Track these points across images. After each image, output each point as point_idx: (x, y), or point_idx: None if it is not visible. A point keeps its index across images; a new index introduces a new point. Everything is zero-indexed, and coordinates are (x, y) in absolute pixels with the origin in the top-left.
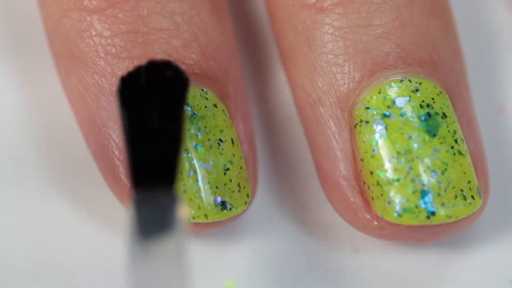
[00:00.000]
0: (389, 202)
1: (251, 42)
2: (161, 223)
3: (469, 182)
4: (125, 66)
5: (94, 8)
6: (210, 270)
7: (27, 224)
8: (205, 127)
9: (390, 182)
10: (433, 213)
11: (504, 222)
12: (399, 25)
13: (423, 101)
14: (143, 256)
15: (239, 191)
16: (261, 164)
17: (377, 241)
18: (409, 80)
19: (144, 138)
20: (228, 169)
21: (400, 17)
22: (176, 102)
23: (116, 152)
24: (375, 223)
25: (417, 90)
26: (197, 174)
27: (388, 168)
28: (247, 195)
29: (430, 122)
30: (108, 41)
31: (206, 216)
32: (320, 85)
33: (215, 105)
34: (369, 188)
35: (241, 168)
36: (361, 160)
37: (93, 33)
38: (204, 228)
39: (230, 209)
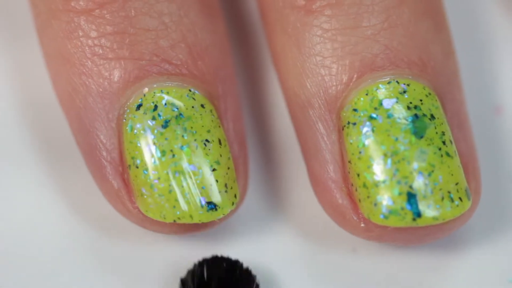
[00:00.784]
0: (375, 204)
1: (246, 42)
2: None
3: (457, 184)
4: (112, 67)
5: (82, 9)
6: None
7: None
8: (191, 127)
9: (376, 184)
10: (419, 215)
11: (502, 222)
12: (388, 26)
13: (410, 103)
14: None
15: (226, 191)
16: (257, 163)
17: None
18: (397, 81)
19: None
20: (214, 169)
21: (389, 19)
22: None
23: (104, 153)
24: (363, 225)
25: (404, 92)
26: (183, 175)
27: (374, 170)
28: (235, 196)
29: (417, 123)
30: (95, 42)
31: (191, 217)
32: (308, 87)
33: (202, 106)
34: (356, 190)
35: (228, 168)
36: (349, 162)
37: (80, 34)
38: (192, 229)
39: (217, 209)
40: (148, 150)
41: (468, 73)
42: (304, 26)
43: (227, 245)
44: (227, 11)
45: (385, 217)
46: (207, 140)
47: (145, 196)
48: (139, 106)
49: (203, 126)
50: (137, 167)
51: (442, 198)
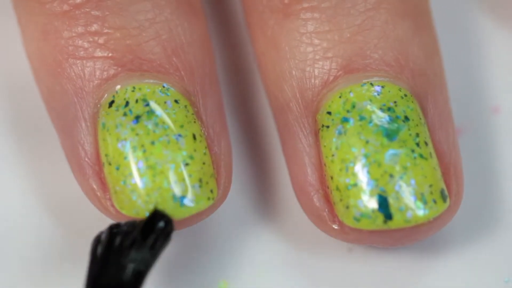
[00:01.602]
0: (347, 207)
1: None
2: None
3: (430, 186)
4: (86, 66)
5: (57, 11)
6: (203, 272)
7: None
8: (163, 122)
9: (347, 187)
10: (390, 218)
11: (498, 222)
12: (364, 28)
13: (383, 105)
14: None
15: (200, 186)
16: (244, 162)
17: None
18: (371, 83)
19: None
20: (187, 164)
21: (365, 21)
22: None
23: (82, 153)
24: (339, 227)
25: (378, 94)
26: (154, 170)
27: (346, 173)
28: (211, 191)
29: (390, 125)
30: (69, 42)
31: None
32: (286, 90)
33: (176, 101)
34: (331, 192)
35: (204, 163)
36: (324, 165)
37: (56, 35)
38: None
39: (190, 205)
40: (120, 146)
41: (465, 74)
42: (282, 29)
43: (223, 245)
44: (217, 10)
45: (357, 220)
46: (179, 135)
47: (118, 193)
48: (111, 103)
49: (176, 121)
50: (110, 164)
51: (415, 201)
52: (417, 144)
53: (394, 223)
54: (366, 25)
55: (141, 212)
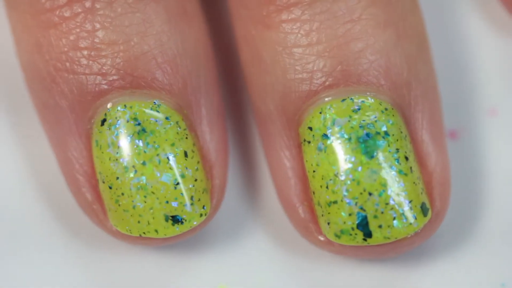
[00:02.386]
0: (328, 223)
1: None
2: None
3: (410, 202)
4: (77, 82)
5: (47, 24)
6: (202, 276)
7: None
8: (154, 142)
9: (328, 204)
10: (369, 235)
11: (494, 226)
12: (343, 42)
13: (363, 121)
14: None
15: (192, 204)
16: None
17: None
18: (351, 99)
19: None
20: (178, 183)
21: (345, 33)
22: None
23: (76, 166)
24: (324, 239)
25: (358, 109)
26: (145, 190)
27: (326, 190)
28: (203, 207)
29: (368, 143)
30: (62, 57)
31: (156, 231)
32: (268, 103)
33: (167, 118)
34: (314, 206)
35: (196, 180)
36: (307, 178)
37: (48, 48)
38: (159, 242)
39: (183, 223)
40: (112, 166)
41: (463, 76)
42: (263, 41)
43: (222, 249)
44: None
45: (338, 236)
46: (170, 154)
47: (112, 211)
48: (103, 121)
49: (166, 140)
50: (103, 182)
51: (394, 218)
52: (397, 160)
53: (374, 240)
54: (346, 38)
55: (134, 230)
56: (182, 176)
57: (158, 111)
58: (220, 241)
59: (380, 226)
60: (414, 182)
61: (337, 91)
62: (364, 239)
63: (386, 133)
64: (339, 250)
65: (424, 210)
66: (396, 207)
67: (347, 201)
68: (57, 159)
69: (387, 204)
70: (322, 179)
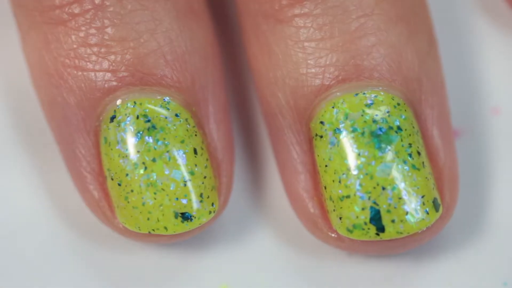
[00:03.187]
0: (340, 218)
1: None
2: None
3: (423, 197)
4: (86, 79)
5: (57, 20)
6: (203, 276)
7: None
8: (164, 138)
9: (340, 198)
10: (382, 230)
11: (497, 225)
12: (357, 36)
13: (376, 115)
14: None
15: (201, 201)
16: (247, 167)
17: None
18: (364, 93)
19: None
20: (188, 180)
21: (358, 28)
22: None
23: (84, 163)
24: (333, 235)
25: (371, 104)
26: (155, 187)
27: (338, 185)
28: (212, 204)
29: (382, 137)
30: (70, 54)
31: (166, 228)
32: (279, 97)
33: (176, 115)
34: (325, 201)
35: (205, 177)
36: (318, 173)
37: (57, 45)
38: (168, 239)
39: (192, 220)
40: (121, 163)
41: (465, 75)
42: (274, 36)
43: (224, 249)
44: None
45: (350, 231)
46: (180, 151)
47: (121, 208)
48: (112, 118)
49: (176, 136)
50: (112, 179)
51: (407, 212)
52: (410, 155)
53: (387, 235)
54: (358, 33)
55: (143, 227)
56: (192, 173)
57: (168, 108)
58: (223, 241)
59: (393, 221)
60: (426, 177)
61: (350, 85)
62: (377, 234)
63: (399, 127)
64: (348, 246)
65: (436, 206)
66: (409, 202)
67: (360, 195)
68: (63, 156)
69: (400, 198)
70: (335, 173)
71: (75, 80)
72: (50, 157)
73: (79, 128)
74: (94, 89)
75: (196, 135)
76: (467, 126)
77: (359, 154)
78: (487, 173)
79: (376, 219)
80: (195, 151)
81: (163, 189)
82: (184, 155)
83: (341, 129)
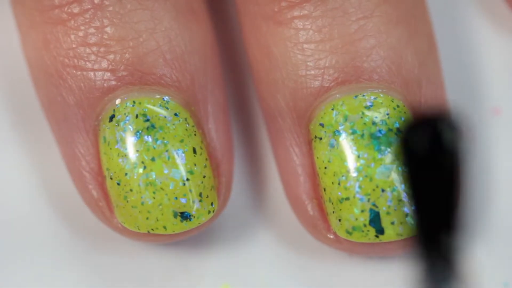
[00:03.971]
0: (339, 220)
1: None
2: (449, 273)
3: None
4: (85, 78)
5: (56, 20)
6: (205, 275)
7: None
8: (163, 138)
9: (340, 200)
10: (381, 232)
11: (497, 225)
12: (356, 38)
13: (376, 117)
14: None
15: (200, 201)
16: (253, 165)
17: None
18: (363, 95)
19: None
20: (187, 179)
21: (357, 30)
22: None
23: (83, 163)
24: (332, 236)
25: (371, 106)
26: (154, 186)
27: (338, 187)
28: (211, 204)
29: (381, 139)
30: (70, 54)
31: (165, 227)
32: (279, 99)
33: (176, 114)
34: (324, 203)
35: (204, 177)
36: (318, 175)
37: (56, 45)
38: (167, 238)
39: (191, 219)
40: (120, 162)
41: (466, 75)
42: (274, 38)
43: (225, 248)
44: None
45: (349, 233)
46: (179, 150)
47: (120, 207)
48: (111, 118)
49: (175, 136)
50: (111, 179)
51: (407, 214)
52: None
53: (386, 237)
54: (358, 35)
55: (142, 227)
56: (191, 172)
57: (167, 108)
58: (224, 240)
59: (392, 223)
60: None
61: (349, 87)
62: (376, 236)
63: (398, 130)
64: (348, 247)
65: None
66: (409, 204)
67: (360, 197)
68: (63, 156)
69: (400, 200)
70: (334, 175)
71: (74, 79)
72: (50, 156)
73: (79, 127)
74: (93, 88)
75: (195, 134)
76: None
77: (358, 156)
78: (488, 174)
79: (375, 221)
80: (194, 151)
81: (162, 189)
82: (183, 155)
83: (341, 131)
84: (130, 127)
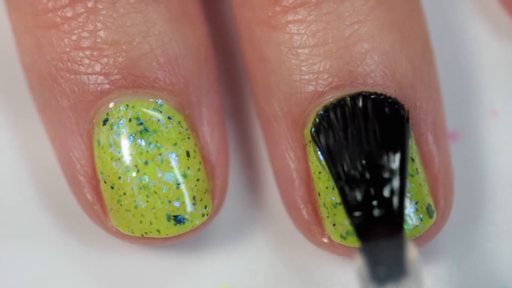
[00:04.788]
0: (334, 225)
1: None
2: (395, 268)
3: (417, 203)
4: (79, 82)
5: (48, 24)
6: (204, 276)
7: None
8: (156, 141)
9: (334, 205)
10: None
11: (496, 228)
12: (350, 43)
13: None
14: None
15: (194, 204)
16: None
17: None
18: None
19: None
20: (180, 183)
21: (351, 35)
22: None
23: (77, 166)
24: (327, 241)
25: None
26: (148, 190)
27: (332, 192)
28: (205, 207)
29: None
30: (63, 57)
31: (158, 231)
32: (273, 103)
33: (169, 118)
34: (319, 208)
35: (198, 180)
36: (312, 179)
37: (49, 49)
38: (161, 241)
39: (185, 223)
40: (114, 166)
41: (464, 77)
42: (268, 42)
43: (223, 250)
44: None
45: (344, 237)
46: (172, 154)
47: (114, 211)
48: (105, 121)
49: (169, 139)
50: (105, 182)
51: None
52: None
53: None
54: (352, 39)
55: (136, 230)
56: (185, 176)
57: (160, 111)
58: (221, 242)
59: None
60: (420, 184)
61: (343, 91)
62: None
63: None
64: (342, 251)
65: (429, 212)
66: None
67: None
68: (58, 159)
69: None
70: (328, 180)
71: (68, 83)
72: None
73: (73, 131)
74: (87, 92)
75: (189, 137)
76: (465, 129)
77: None
78: (485, 176)
79: None
80: (187, 154)
81: (155, 192)
82: (176, 158)
83: None
84: (123, 130)
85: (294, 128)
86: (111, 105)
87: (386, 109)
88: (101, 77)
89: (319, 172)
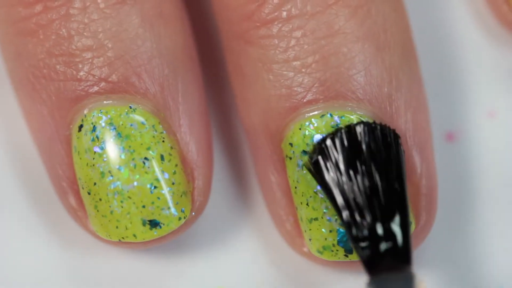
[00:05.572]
0: (310, 239)
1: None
2: None
3: None
4: (55, 89)
5: (24, 31)
6: (200, 278)
7: None
8: (130, 146)
9: (309, 220)
10: (350, 252)
11: (492, 228)
12: (321, 57)
13: None
14: None
15: (169, 208)
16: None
17: None
18: (330, 114)
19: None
20: (155, 187)
21: (322, 49)
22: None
23: (60, 172)
24: (306, 250)
25: (337, 125)
26: (122, 195)
27: (306, 207)
28: (182, 211)
29: None
30: (39, 64)
31: (135, 236)
32: (252, 117)
33: (142, 122)
34: (299, 220)
35: (173, 183)
36: (292, 193)
37: (25, 56)
38: (141, 245)
39: (160, 227)
40: (90, 171)
41: (461, 79)
42: (245, 57)
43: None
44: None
45: (320, 252)
46: (146, 158)
47: (92, 216)
48: (80, 127)
49: (142, 144)
50: (83, 188)
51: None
52: None
53: (355, 256)
54: (324, 53)
55: (113, 235)
56: (159, 180)
57: (133, 116)
58: (217, 244)
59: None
60: None
61: (316, 107)
62: (346, 255)
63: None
64: (324, 262)
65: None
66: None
67: (328, 218)
68: (44, 164)
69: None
70: (303, 195)
71: (45, 90)
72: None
73: (53, 137)
74: (63, 99)
75: (163, 141)
76: (462, 130)
77: None
78: (482, 176)
79: (343, 241)
80: (162, 158)
81: (129, 197)
82: (150, 163)
83: (308, 152)
84: (97, 136)
85: (273, 142)
86: (85, 111)
87: (381, 140)
88: (75, 84)
89: (295, 187)
